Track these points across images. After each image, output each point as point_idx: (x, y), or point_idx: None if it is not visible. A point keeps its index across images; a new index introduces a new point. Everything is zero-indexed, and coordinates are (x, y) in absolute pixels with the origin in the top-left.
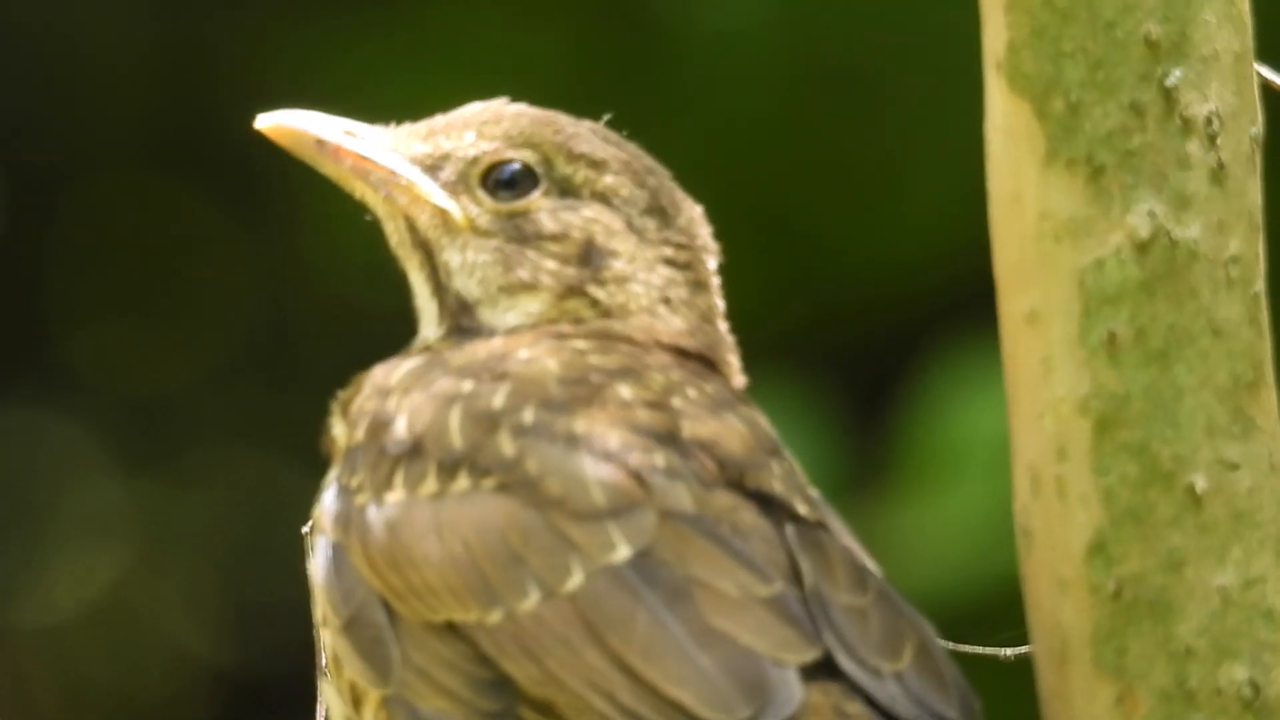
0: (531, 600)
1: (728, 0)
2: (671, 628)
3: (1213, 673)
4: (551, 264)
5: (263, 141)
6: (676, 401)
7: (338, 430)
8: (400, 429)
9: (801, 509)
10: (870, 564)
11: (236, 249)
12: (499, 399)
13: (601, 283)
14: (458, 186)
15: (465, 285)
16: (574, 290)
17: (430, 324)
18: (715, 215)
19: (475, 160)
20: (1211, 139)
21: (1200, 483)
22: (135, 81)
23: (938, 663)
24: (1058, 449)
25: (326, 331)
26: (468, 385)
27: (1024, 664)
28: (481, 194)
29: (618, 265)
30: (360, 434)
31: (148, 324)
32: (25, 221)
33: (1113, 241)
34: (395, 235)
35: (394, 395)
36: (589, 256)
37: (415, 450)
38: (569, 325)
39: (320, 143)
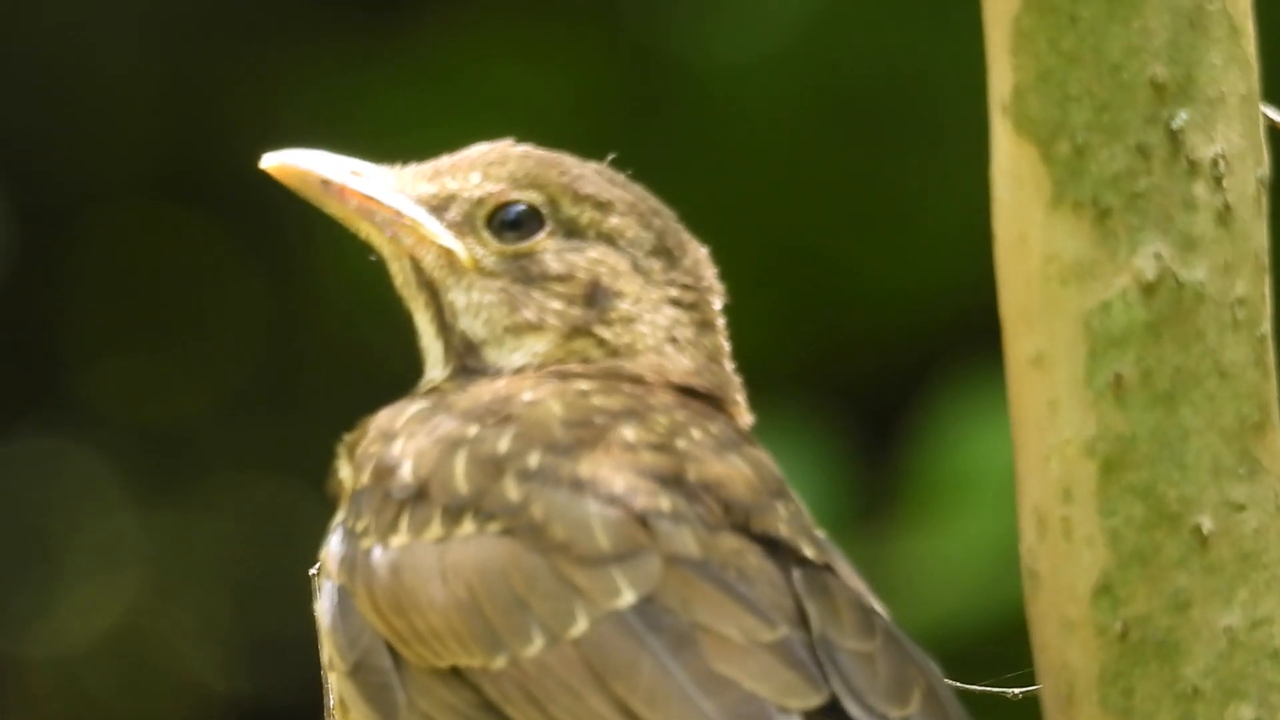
0: (536, 646)
1: (739, 34)
2: (676, 674)
3: (1219, 714)
4: (557, 304)
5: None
6: (681, 443)
7: (344, 473)
8: (405, 473)
9: (808, 551)
10: (877, 606)
11: (248, 281)
12: (504, 443)
13: (608, 323)
14: (464, 227)
15: (471, 325)
16: (580, 330)
17: (436, 364)
18: (727, 249)
19: (481, 201)
20: (1218, 181)
21: (1206, 524)
22: (147, 114)
23: (945, 707)
24: (1064, 490)
25: (338, 362)
26: (473, 429)
27: (1032, 704)
28: (487, 235)
29: (624, 306)
30: (366, 478)
31: (161, 355)
32: (39, 254)
33: (1119, 284)
34: (400, 275)
35: (399, 439)
36: (595, 297)
37: (420, 494)
38: (575, 365)
39: (326, 183)
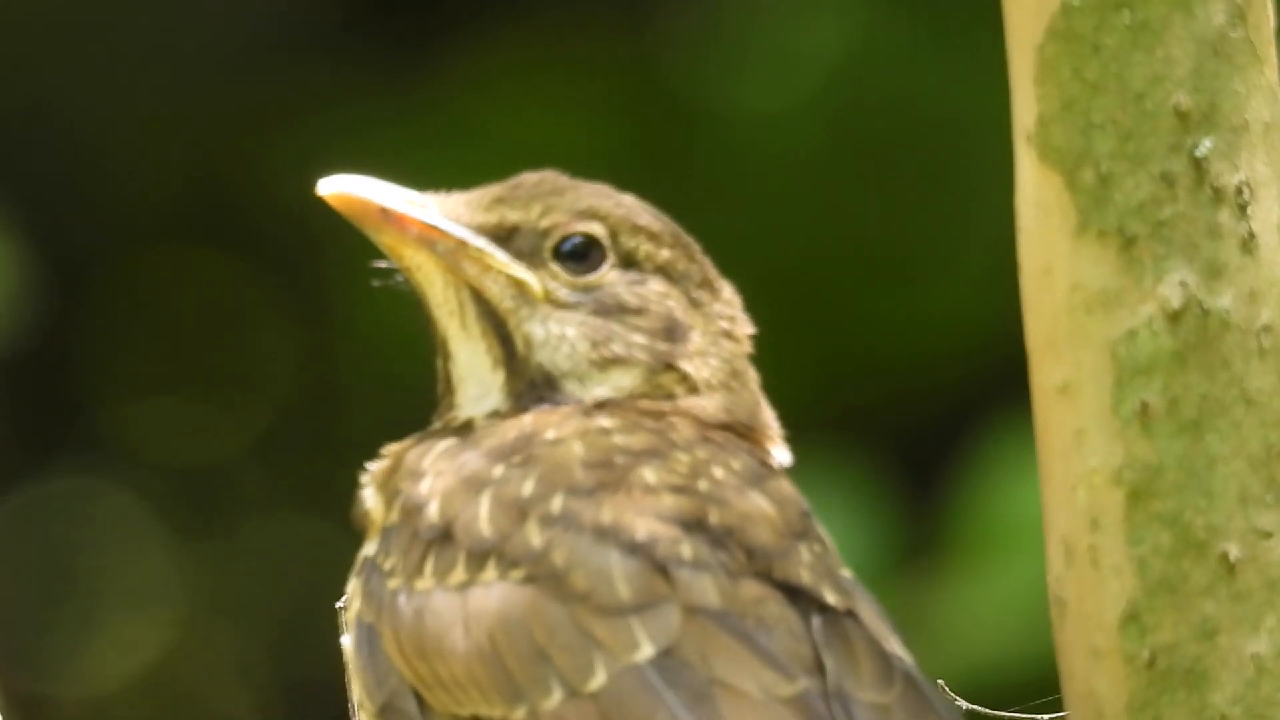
0: (555, 699)
1: (765, 81)
2: None
3: None
4: (641, 339)
5: (304, 213)
6: (703, 484)
7: (371, 504)
8: (432, 513)
9: (830, 598)
10: (900, 651)
11: (280, 321)
12: (528, 486)
13: (689, 357)
14: (532, 258)
15: (551, 359)
16: (667, 365)
17: (488, 395)
18: (758, 293)
19: (547, 232)
20: (1242, 208)
21: (1233, 551)
22: (180, 157)
23: None
24: (1091, 519)
25: (371, 402)
26: (498, 469)
27: None
28: (555, 267)
29: (696, 339)
30: (395, 515)
31: (194, 396)
32: (70, 294)
33: (1144, 312)
34: (450, 304)
35: (426, 477)
36: (673, 331)
37: (445, 536)
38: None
39: (385, 211)
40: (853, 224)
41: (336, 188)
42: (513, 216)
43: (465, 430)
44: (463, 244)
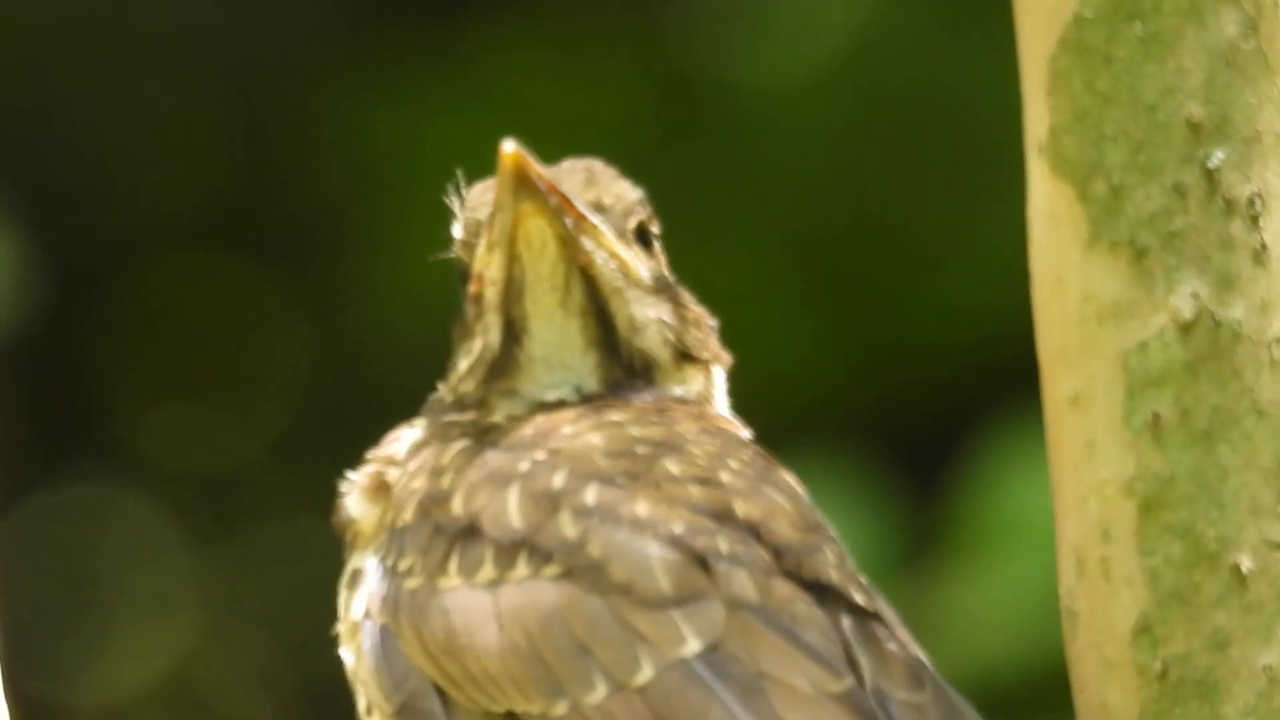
0: (599, 693)
1: (781, 58)
2: None
3: None
4: (701, 335)
5: (320, 216)
6: (724, 476)
7: (359, 512)
8: (456, 507)
9: (858, 598)
10: (923, 655)
11: (295, 323)
12: (559, 478)
13: (719, 359)
14: (620, 239)
15: (648, 344)
16: (719, 361)
17: (571, 377)
18: (768, 280)
19: (630, 212)
20: (1254, 220)
21: (1245, 563)
22: (191, 158)
23: None
24: (1102, 531)
25: (386, 404)
26: (523, 464)
27: None
28: (639, 248)
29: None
30: (409, 515)
31: (209, 401)
32: (86, 299)
33: (1156, 323)
34: (555, 279)
35: (447, 474)
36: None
37: (471, 531)
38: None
39: (540, 177)
40: (867, 204)
41: (517, 147)
42: (605, 198)
43: (483, 432)
44: (583, 218)
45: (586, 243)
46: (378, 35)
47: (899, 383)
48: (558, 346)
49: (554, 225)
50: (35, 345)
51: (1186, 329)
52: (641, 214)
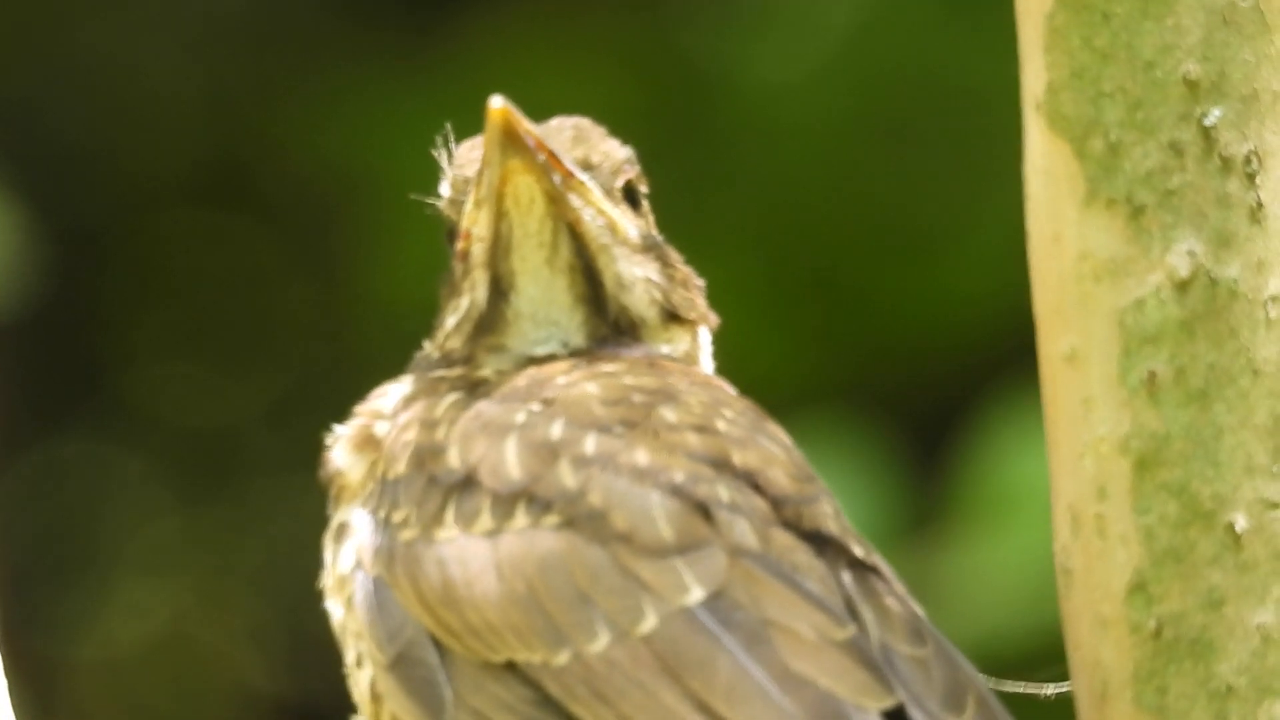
0: (602, 642)
1: (780, 51)
2: (753, 671)
3: (1254, 711)
4: (689, 294)
5: (318, 177)
6: (720, 424)
7: (345, 464)
8: (453, 458)
9: (857, 550)
10: (920, 610)
11: (294, 284)
12: (557, 428)
13: (708, 319)
14: (608, 197)
15: (635, 303)
16: (704, 319)
17: (558, 333)
18: (768, 263)
19: (617, 171)
20: (1251, 178)
21: (1240, 521)
22: (191, 118)
23: (997, 715)
24: (1098, 488)
25: (385, 365)
26: (520, 415)
27: (1067, 701)
28: (626, 206)
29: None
30: (402, 466)
31: (208, 359)
32: (84, 259)
33: (1152, 281)
34: (543, 235)
35: (441, 426)
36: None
37: (468, 481)
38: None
39: (528, 133)
40: (867, 193)
41: (505, 104)
42: (593, 156)
43: (473, 385)
44: (571, 176)
45: (574, 200)
46: (377, 8)
47: (899, 357)
48: (545, 303)
49: (541, 182)
50: (33, 306)
51: (1183, 287)
52: (630, 172)
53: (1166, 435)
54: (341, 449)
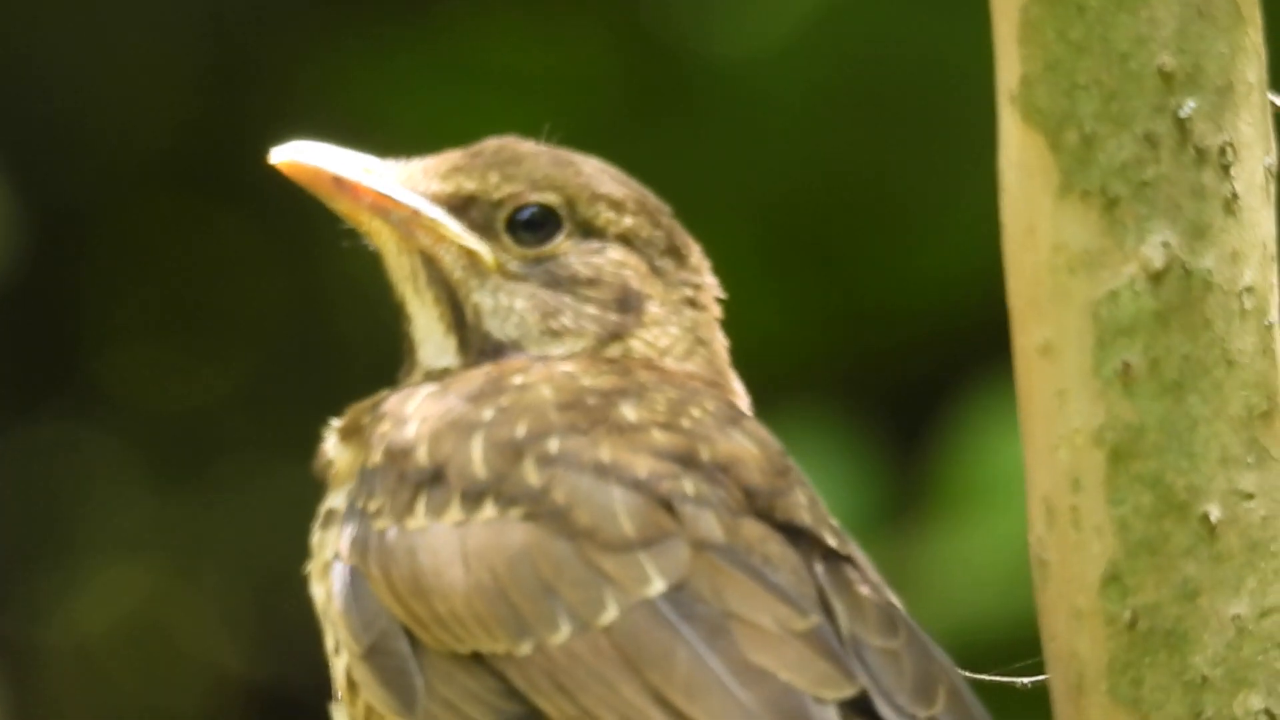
0: (564, 633)
1: (753, 24)
2: (712, 664)
3: (1229, 703)
4: (592, 309)
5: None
6: (686, 422)
7: (335, 453)
8: (421, 456)
9: (830, 540)
10: (895, 600)
11: (267, 266)
12: (521, 428)
13: (644, 327)
14: (485, 229)
15: (500, 328)
16: (617, 336)
17: (444, 354)
18: (743, 242)
19: (500, 203)
20: (1225, 169)
21: (1215, 513)
22: (166, 103)
23: (970, 707)
24: (1072, 480)
25: (357, 347)
26: (487, 413)
27: (1042, 693)
28: (507, 238)
29: (653, 309)
30: (378, 457)
31: (180, 340)
32: (59, 241)
33: (1127, 273)
34: (404, 270)
35: (411, 422)
36: (627, 302)
37: (436, 478)
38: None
39: (338, 180)
40: (842, 170)
41: (288, 156)
42: (469, 186)
43: (442, 376)
44: (416, 213)
45: (422, 236)
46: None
47: (878, 343)
48: (428, 329)
49: (377, 221)
50: (8, 288)
51: (1157, 278)
52: (529, 198)
53: (1141, 427)
54: (333, 439)
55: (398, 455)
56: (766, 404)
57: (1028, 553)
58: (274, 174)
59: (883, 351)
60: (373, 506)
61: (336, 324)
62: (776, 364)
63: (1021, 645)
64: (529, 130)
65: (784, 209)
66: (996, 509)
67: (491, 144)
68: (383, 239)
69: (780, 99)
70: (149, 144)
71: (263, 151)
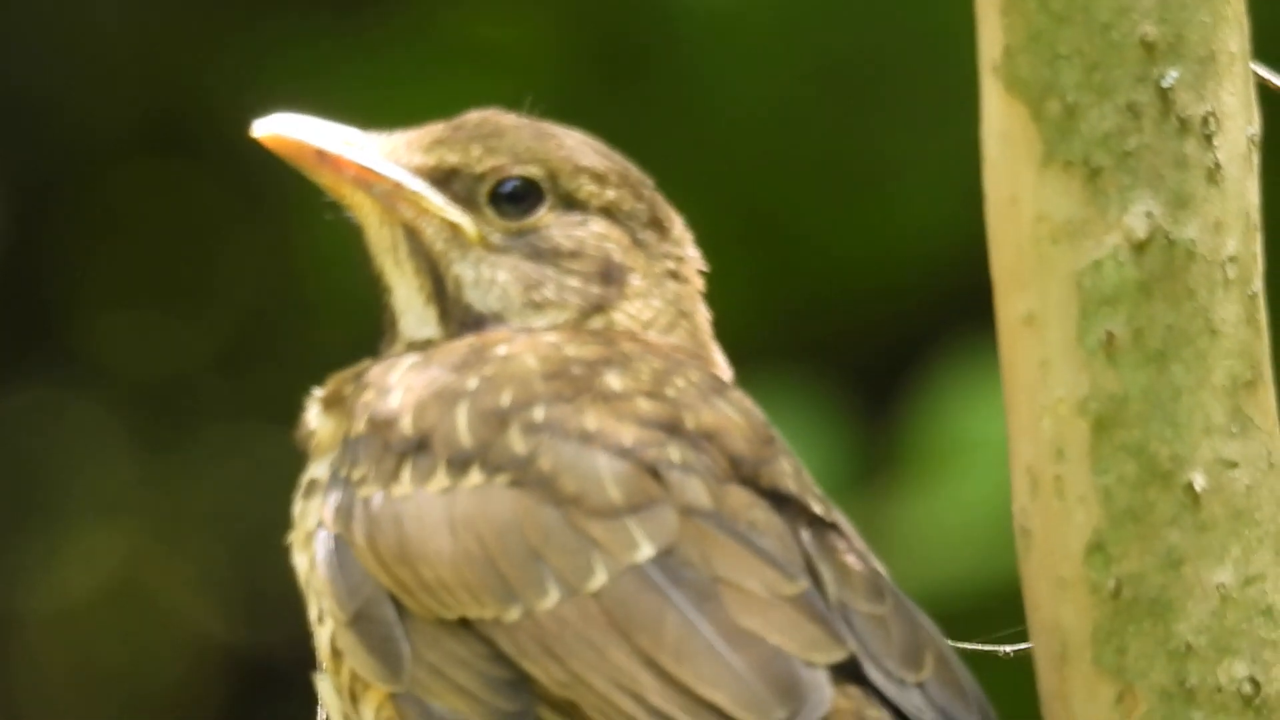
0: (552, 599)
1: None
2: (701, 628)
3: (1212, 671)
4: (575, 282)
5: None
6: (670, 391)
7: (317, 424)
8: (405, 426)
9: (816, 508)
10: (880, 567)
11: (247, 232)
12: (506, 396)
13: (627, 299)
14: (467, 201)
15: (482, 300)
16: (599, 309)
17: (425, 325)
18: (712, 211)
19: (483, 176)
20: (1208, 139)
21: (1199, 481)
22: (139, 69)
23: (957, 673)
24: (1056, 450)
25: (334, 312)
26: (471, 382)
27: (1025, 661)
28: (490, 210)
29: (635, 282)
30: (361, 426)
31: (160, 307)
32: (37, 208)
33: (1110, 243)
34: (385, 242)
35: (395, 392)
36: (609, 274)
37: (421, 447)
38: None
39: (320, 153)
40: (815, 138)
41: (271, 129)
42: (451, 159)
43: (425, 346)
44: (399, 186)
45: (404, 209)
46: None
47: (852, 308)
48: (409, 300)
49: (359, 194)
50: None
51: (1140, 248)
52: (512, 171)
53: (1125, 396)
54: (315, 408)
55: (381, 425)
56: (739, 371)
57: (998, 515)
58: (253, 141)
59: (855, 318)
60: (357, 474)
61: (313, 290)
62: (749, 330)
63: (992, 608)
64: (498, 102)
65: (756, 177)
66: (967, 474)
67: (474, 117)
68: (365, 212)
69: (755, 69)
70: (118, 113)
71: (236, 116)
